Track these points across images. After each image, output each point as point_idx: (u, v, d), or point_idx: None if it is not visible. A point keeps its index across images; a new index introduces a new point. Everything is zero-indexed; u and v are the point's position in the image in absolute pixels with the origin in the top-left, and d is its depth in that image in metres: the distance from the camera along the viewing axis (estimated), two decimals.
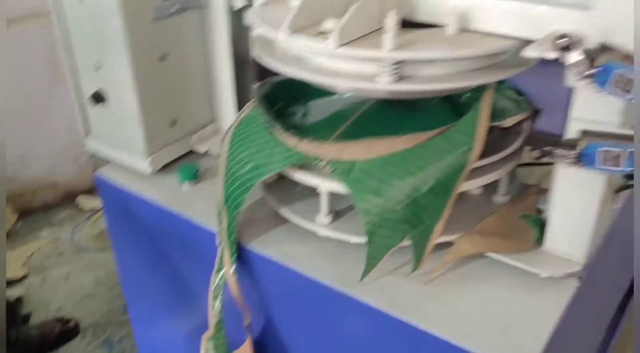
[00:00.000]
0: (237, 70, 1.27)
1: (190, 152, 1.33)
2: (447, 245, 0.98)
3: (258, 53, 1.02)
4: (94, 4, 1.09)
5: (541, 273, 0.94)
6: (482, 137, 0.94)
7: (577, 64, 0.75)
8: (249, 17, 1.04)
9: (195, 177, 1.23)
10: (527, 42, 0.84)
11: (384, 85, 0.87)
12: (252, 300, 1.10)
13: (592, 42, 0.78)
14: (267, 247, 1.05)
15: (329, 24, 0.90)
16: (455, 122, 0.94)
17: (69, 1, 1.13)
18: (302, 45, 0.93)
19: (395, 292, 0.94)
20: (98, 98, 1.20)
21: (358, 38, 0.89)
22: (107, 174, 1.31)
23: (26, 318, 2.40)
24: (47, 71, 2.80)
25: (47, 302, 2.46)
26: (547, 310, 0.90)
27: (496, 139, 1.01)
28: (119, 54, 1.11)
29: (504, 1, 0.86)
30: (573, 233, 0.94)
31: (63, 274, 2.62)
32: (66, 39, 1.20)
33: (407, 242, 0.95)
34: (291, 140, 0.98)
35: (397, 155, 0.93)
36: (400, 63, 0.86)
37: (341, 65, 0.91)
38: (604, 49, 0.77)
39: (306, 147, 0.97)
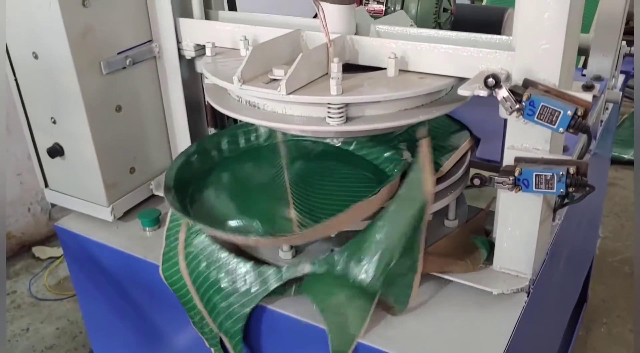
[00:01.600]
0: (192, 115, 1.31)
1: (152, 196, 1.35)
2: None
3: (212, 101, 1.06)
4: (48, 60, 1.12)
5: (493, 290, 1.00)
6: (432, 183, 0.99)
7: (506, 99, 0.83)
8: (202, 68, 1.08)
9: (156, 222, 1.25)
10: (461, 80, 0.92)
11: (334, 127, 0.92)
12: None
13: (518, 79, 0.86)
14: None
15: (279, 72, 0.96)
16: (404, 180, 0.99)
17: (24, 58, 1.15)
18: (253, 94, 0.97)
19: None
20: (55, 152, 1.21)
21: (307, 83, 0.95)
22: (68, 223, 1.31)
23: None
24: None
25: None
26: (501, 325, 0.96)
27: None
28: (75, 108, 1.13)
29: (437, 44, 0.94)
30: (518, 252, 1.00)
31: (22, 327, 2.55)
32: (21, 94, 1.22)
33: None
34: (249, 242, 1.00)
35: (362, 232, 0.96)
36: (346, 106, 0.92)
37: (292, 110, 0.97)
38: (529, 84, 0.85)
39: (267, 242, 1.00)
